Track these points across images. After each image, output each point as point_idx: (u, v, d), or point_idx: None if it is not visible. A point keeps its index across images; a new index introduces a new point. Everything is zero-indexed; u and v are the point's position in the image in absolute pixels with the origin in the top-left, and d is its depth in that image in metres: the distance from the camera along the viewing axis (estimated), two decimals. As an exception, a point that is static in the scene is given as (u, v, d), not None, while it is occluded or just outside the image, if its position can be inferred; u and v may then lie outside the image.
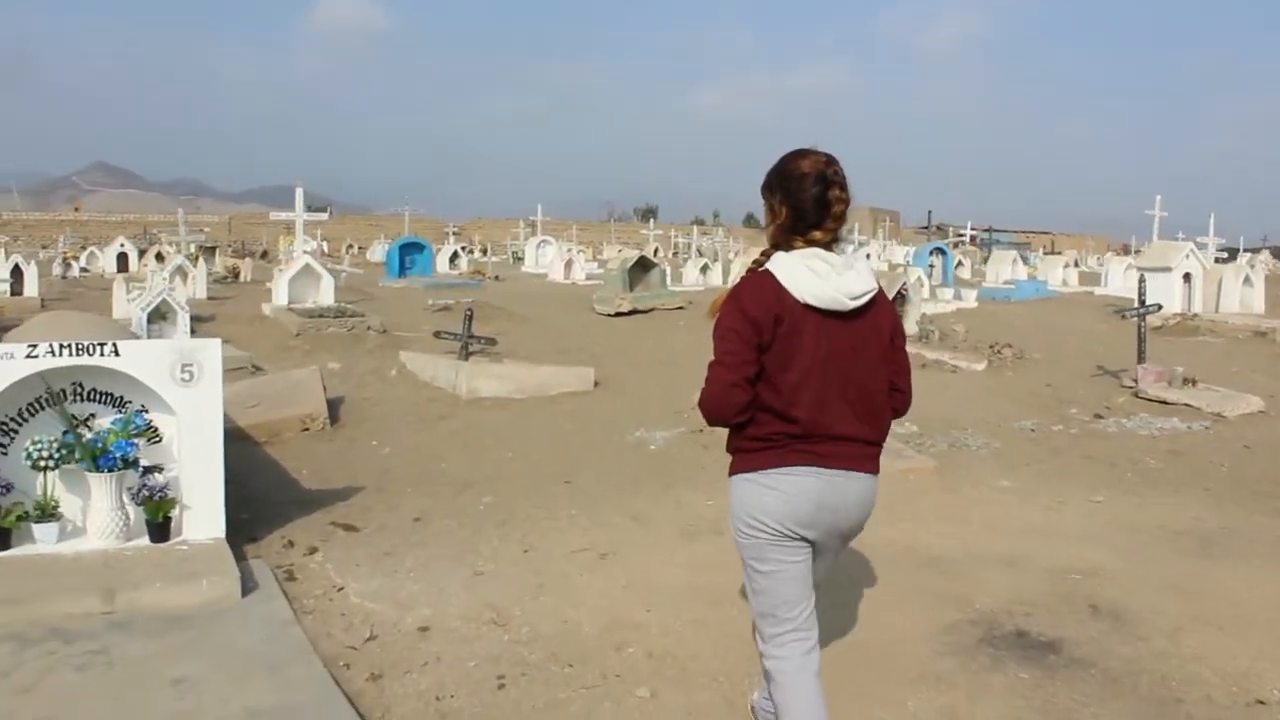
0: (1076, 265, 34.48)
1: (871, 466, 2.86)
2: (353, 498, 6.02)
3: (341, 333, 11.94)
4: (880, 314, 2.86)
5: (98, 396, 4.86)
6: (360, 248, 48.06)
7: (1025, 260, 33.23)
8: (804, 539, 2.79)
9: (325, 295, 14.21)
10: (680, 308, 16.23)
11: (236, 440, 7.42)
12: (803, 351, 2.71)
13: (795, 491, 2.74)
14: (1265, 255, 43.55)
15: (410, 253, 25.47)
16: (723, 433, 2.90)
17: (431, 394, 9.36)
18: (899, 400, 2.95)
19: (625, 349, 11.92)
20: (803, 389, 2.71)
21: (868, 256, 25.09)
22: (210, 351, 4.84)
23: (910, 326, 13.44)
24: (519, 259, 40.19)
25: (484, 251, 46.11)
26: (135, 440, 4.70)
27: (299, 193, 14.16)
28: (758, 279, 2.78)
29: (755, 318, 2.70)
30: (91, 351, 4.61)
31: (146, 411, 4.87)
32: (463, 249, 37.39)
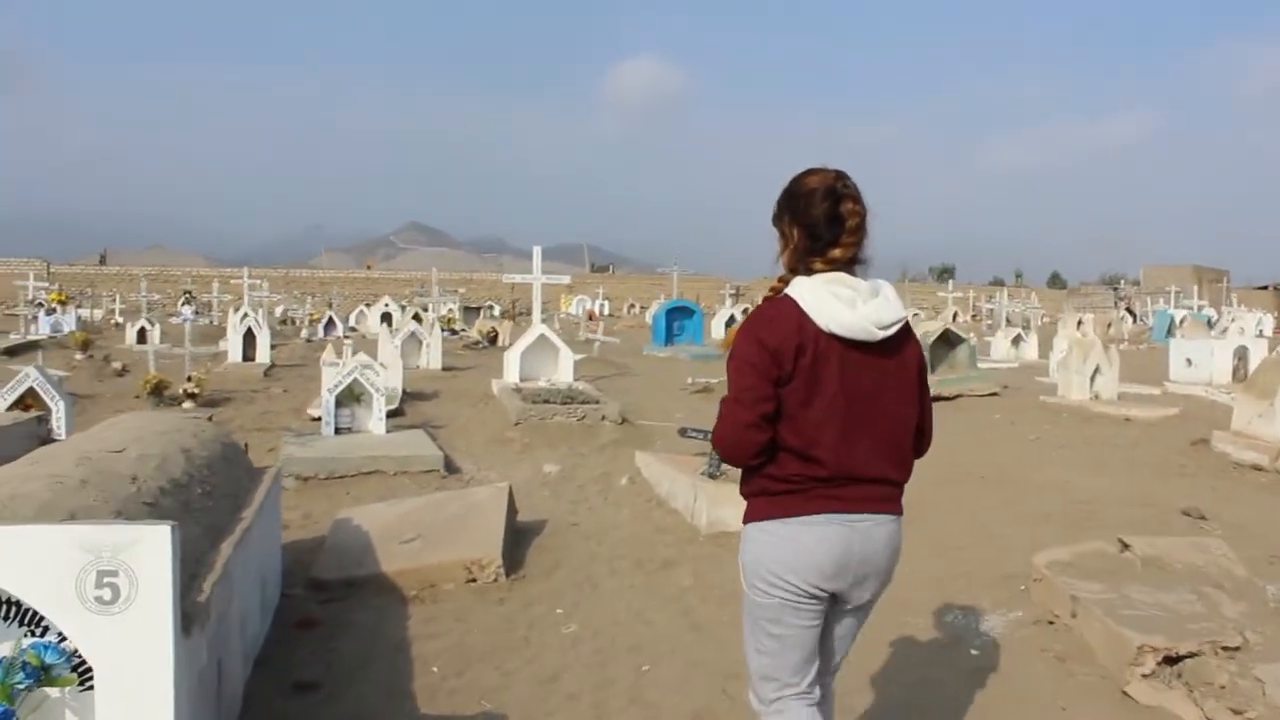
0: None
1: (896, 508, 2.62)
2: (476, 749, 3.62)
3: (569, 422, 9.75)
4: (907, 346, 2.63)
5: (-7, 608, 2.73)
6: (641, 307, 47.13)
7: None
8: (823, 596, 2.55)
9: (564, 372, 12.16)
10: (994, 393, 13.04)
11: (381, 593, 5.31)
12: (826, 385, 2.49)
13: (816, 543, 2.50)
14: None
15: (679, 317, 23.27)
16: None
17: (663, 520, 6.92)
18: (922, 443, 2.73)
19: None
20: (826, 427, 2.49)
21: (1223, 332, 20.55)
22: (150, 549, 2.54)
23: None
24: (802, 323, 37.56)
25: (766, 314, 43.70)
26: (15, 703, 2.52)
27: (536, 252, 12.31)
28: (776, 305, 2.56)
29: (774, 348, 2.48)
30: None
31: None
32: (743, 312, 35.19)
